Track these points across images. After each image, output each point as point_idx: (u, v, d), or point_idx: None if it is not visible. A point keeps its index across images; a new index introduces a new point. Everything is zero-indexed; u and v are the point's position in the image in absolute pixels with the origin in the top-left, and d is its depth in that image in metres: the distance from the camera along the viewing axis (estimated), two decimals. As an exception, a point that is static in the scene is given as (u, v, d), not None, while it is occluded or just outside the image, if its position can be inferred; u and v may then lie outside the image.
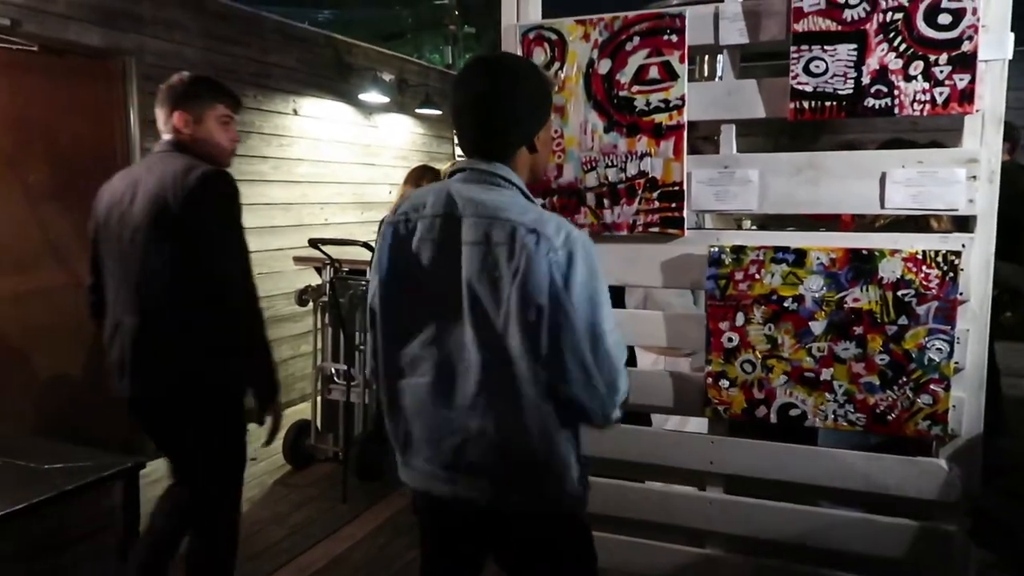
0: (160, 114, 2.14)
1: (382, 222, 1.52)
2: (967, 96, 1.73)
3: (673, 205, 1.98)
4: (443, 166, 4.50)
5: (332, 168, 5.39)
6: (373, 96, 5.59)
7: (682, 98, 1.95)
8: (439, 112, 6.47)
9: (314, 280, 4.09)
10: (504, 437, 1.36)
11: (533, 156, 1.48)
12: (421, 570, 1.61)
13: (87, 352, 3.86)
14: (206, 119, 2.13)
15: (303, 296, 3.97)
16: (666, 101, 1.96)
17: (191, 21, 4.24)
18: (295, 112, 5.01)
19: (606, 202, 2.04)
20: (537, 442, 1.36)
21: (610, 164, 2.04)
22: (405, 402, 1.46)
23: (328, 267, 3.79)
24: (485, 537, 1.51)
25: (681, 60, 1.94)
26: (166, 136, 2.13)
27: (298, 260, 4.21)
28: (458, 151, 7.16)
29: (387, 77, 5.93)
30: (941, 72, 1.75)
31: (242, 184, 2.13)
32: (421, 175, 3.98)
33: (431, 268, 1.41)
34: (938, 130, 2.36)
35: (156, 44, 4.02)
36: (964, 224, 1.81)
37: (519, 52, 2.06)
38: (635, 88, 1.99)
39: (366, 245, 3.85)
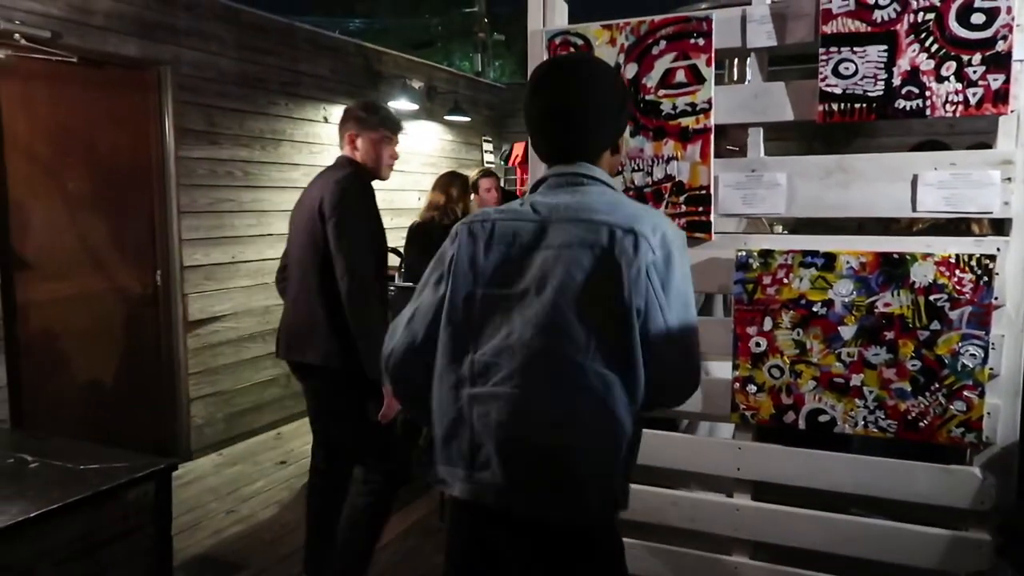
0: (339, 133, 2.61)
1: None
2: (1001, 96, 1.70)
3: (700, 209, 1.97)
4: (471, 172, 4.54)
5: (362, 175, 5.44)
6: (402, 103, 5.65)
7: (709, 101, 1.94)
8: (468, 119, 6.51)
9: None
10: (584, 448, 1.30)
11: (614, 157, 1.48)
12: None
13: (122, 356, 3.94)
14: (368, 139, 2.55)
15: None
16: (693, 105, 1.95)
17: (226, 32, 4.32)
18: (326, 120, 5.08)
19: (632, 206, 2.03)
20: (604, 454, 1.31)
21: (636, 168, 2.03)
22: (472, 412, 1.36)
23: (357, 272, 3.82)
24: (529, 551, 1.41)
25: (708, 63, 1.93)
26: (342, 151, 2.60)
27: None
28: (487, 157, 7.18)
29: (416, 85, 5.99)
30: (974, 72, 1.72)
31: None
32: (449, 181, 4.00)
33: (509, 273, 1.35)
34: (976, 133, 2.31)
35: (192, 55, 4.11)
36: (1000, 227, 1.78)
37: (545, 58, 2.07)
38: (661, 92, 1.98)
39: (395, 251, 3.88)
